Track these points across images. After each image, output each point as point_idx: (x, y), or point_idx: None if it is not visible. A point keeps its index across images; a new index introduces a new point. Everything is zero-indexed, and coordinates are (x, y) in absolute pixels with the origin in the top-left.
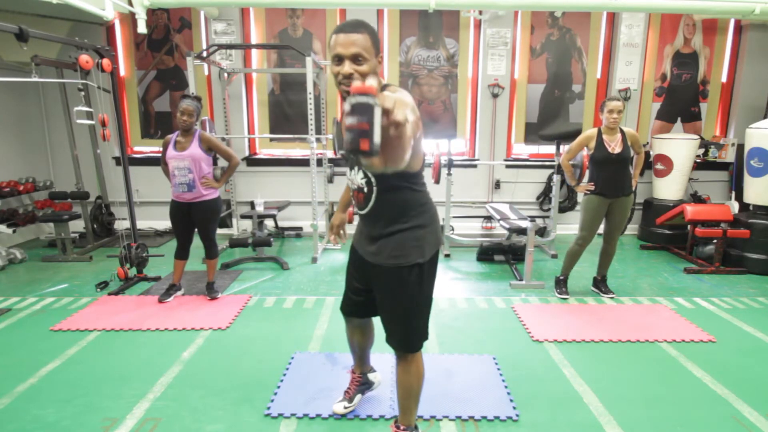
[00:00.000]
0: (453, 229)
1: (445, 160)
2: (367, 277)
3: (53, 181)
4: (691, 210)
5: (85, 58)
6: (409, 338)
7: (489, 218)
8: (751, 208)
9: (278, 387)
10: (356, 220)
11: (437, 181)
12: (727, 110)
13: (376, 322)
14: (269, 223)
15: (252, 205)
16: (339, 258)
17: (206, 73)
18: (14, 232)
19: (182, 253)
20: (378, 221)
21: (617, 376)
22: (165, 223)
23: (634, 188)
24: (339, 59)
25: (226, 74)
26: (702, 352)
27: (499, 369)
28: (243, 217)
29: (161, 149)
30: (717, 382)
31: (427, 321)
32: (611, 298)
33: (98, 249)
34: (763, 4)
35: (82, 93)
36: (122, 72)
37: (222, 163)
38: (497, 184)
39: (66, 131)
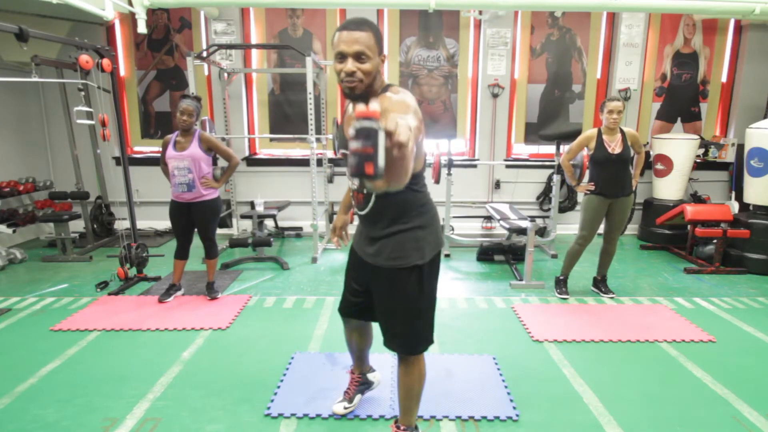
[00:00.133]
0: (453, 229)
1: (445, 160)
2: (366, 279)
3: (53, 181)
4: (691, 210)
5: (85, 58)
6: (409, 341)
7: (489, 218)
8: (751, 208)
9: (278, 387)
10: (356, 220)
11: (437, 181)
12: (727, 110)
13: (375, 323)
14: (269, 223)
15: (252, 205)
16: (339, 258)
17: (206, 73)
18: (14, 232)
19: (182, 253)
20: (377, 222)
21: (617, 376)
22: (165, 223)
23: (634, 188)
24: (342, 57)
25: (226, 74)
26: (702, 352)
27: (499, 369)
28: (243, 217)
29: (161, 149)
30: (717, 382)
31: (430, 325)
32: (611, 298)
33: (98, 249)
34: (763, 4)
35: (82, 93)
36: (122, 72)
37: (222, 163)
38: (497, 184)
39: (66, 131)
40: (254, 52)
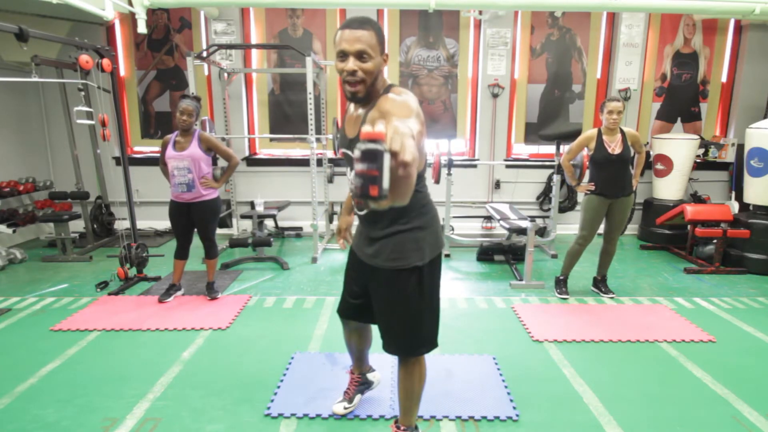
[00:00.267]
0: (453, 229)
1: (445, 160)
2: (365, 281)
3: (53, 181)
4: (691, 210)
5: (85, 58)
6: (409, 343)
7: (489, 218)
8: (751, 208)
9: (278, 387)
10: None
11: (437, 181)
12: (727, 110)
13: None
14: (269, 223)
15: (252, 205)
16: (339, 258)
17: (206, 73)
18: (14, 232)
19: (182, 253)
20: (377, 222)
21: (617, 376)
22: (165, 223)
23: (634, 188)
24: (343, 55)
25: (226, 74)
26: (702, 352)
27: (499, 369)
28: (243, 217)
29: (160, 149)
30: (717, 382)
31: (431, 327)
32: (611, 298)
33: (98, 249)
34: (763, 4)
35: (82, 93)
36: (122, 72)
37: (222, 163)
38: (497, 184)
39: (66, 131)
40: (254, 52)
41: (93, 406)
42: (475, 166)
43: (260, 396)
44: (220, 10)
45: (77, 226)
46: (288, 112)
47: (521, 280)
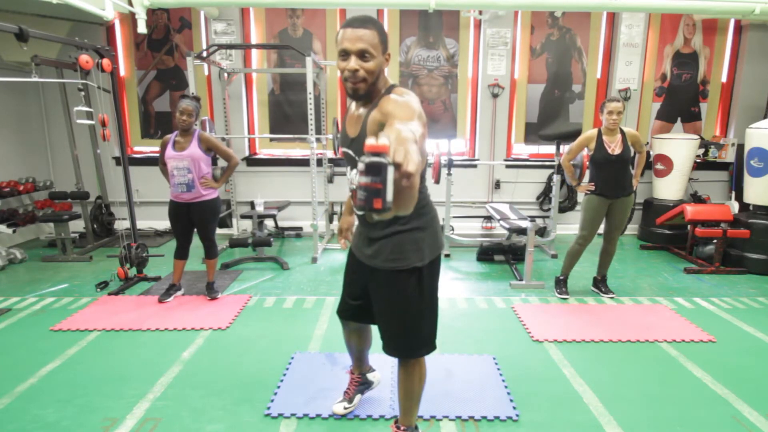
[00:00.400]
0: (453, 229)
1: (445, 160)
2: (365, 282)
3: (53, 181)
4: (691, 210)
5: (85, 58)
6: (409, 345)
7: (489, 218)
8: (751, 208)
9: (278, 387)
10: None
11: (437, 181)
12: (727, 110)
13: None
14: (269, 223)
15: (252, 205)
16: (339, 258)
17: (206, 73)
18: (14, 232)
19: (182, 253)
20: (376, 223)
21: (617, 376)
22: (165, 223)
23: (634, 188)
24: (345, 54)
25: (226, 74)
26: (702, 352)
27: (499, 369)
28: (243, 217)
29: (159, 149)
30: (717, 382)
31: (431, 329)
32: (611, 298)
33: (98, 249)
34: (763, 4)
35: (82, 93)
36: (122, 72)
37: (222, 163)
38: (497, 184)
39: (66, 131)
40: (254, 52)
41: (93, 406)
42: (475, 166)
43: (260, 396)
44: (220, 10)
45: (77, 226)
46: (288, 112)
47: (521, 280)
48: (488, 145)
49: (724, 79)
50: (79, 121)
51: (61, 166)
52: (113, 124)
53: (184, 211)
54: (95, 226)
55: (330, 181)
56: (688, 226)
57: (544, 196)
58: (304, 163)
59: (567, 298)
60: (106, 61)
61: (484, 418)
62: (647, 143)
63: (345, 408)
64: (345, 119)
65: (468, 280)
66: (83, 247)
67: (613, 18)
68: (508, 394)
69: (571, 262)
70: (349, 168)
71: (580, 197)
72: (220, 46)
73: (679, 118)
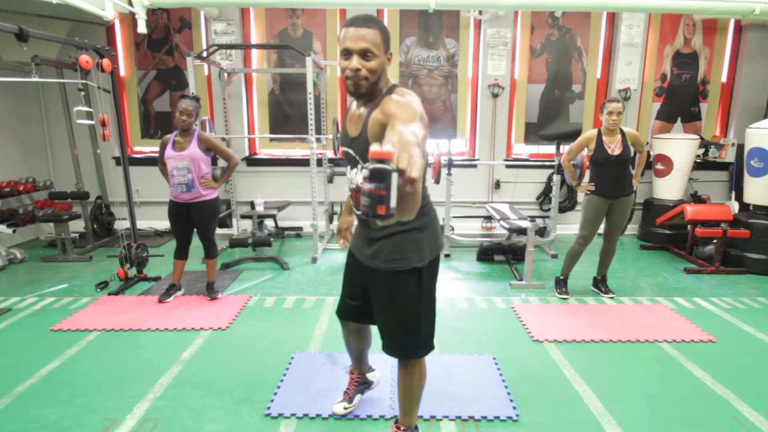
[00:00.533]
0: (453, 229)
1: (445, 160)
2: (365, 282)
3: (53, 181)
4: (691, 210)
5: (85, 58)
6: (409, 345)
7: (489, 218)
8: (751, 208)
9: (278, 387)
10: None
11: (437, 181)
12: (727, 110)
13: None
14: (269, 223)
15: (252, 205)
16: (339, 258)
17: (206, 73)
18: (14, 232)
19: (181, 253)
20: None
21: (617, 376)
22: (165, 223)
23: (635, 188)
24: (348, 53)
25: (226, 74)
26: (702, 352)
27: (499, 369)
28: (243, 217)
29: (159, 149)
30: (717, 382)
31: (430, 329)
32: (611, 298)
33: (98, 249)
34: (763, 4)
35: (82, 93)
36: (122, 72)
37: (222, 163)
38: (497, 184)
39: (66, 131)
40: (254, 52)
41: (93, 406)
42: (475, 166)
43: (260, 396)
44: (220, 10)
45: (77, 226)
46: (288, 112)
47: (521, 280)
48: (488, 145)
49: (724, 79)
50: (79, 121)
51: (61, 166)
52: (113, 124)
53: (183, 211)
54: (95, 226)
55: (330, 181)
56: (688, 226)
57: (544, 196)
58: (304, 163)
59: (567, 298)
60: (106, 61)
61: (484, 418)
62: (647, 143)
63: (345, 408)
64: (345, 118)
65: (468, 280)
66: (83, 247)
67: (613, 18)
68: (508, 394)
69: (571, 262)
70: (349, 167)
71: (580, 197)
72: (220, 46)
73: (679, 118)
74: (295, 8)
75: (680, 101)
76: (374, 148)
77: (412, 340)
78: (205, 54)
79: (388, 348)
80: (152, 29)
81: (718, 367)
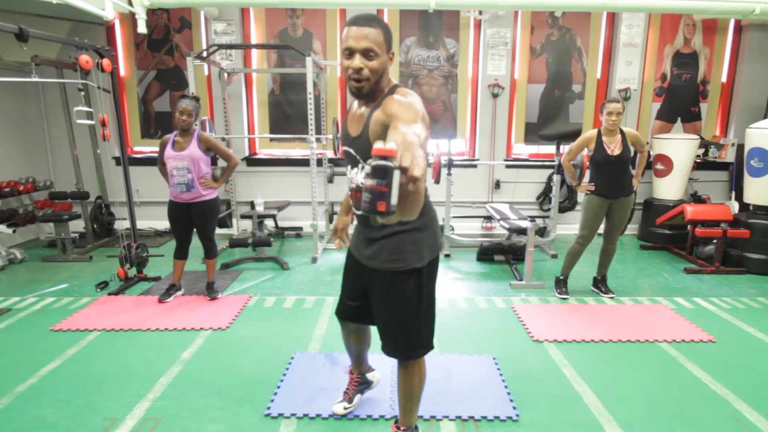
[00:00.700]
0: (453, 229)
1: (445, 160)
2: (364, 283)
3: (53, 181)
4: (691, 210)
5: (85, 58)
6: (409, 345)
7: (489, 218)
8: (751, 208)
9: (278, 387)
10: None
11: (437, 181)
12: (727, 110)
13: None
14: (269, 223)
15: (252, 205)
16: (339, 258)
17: (206, 73)
18: (14, 232)
19: (181, 253)
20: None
21: (617, 376)
22: (165, 223)
23: (635, 188)
24: (350, 52)
25: (226, 74)
26: (702, 352)
27: (499, 369)
28: (243, 217)
29: (158, 149)
30: (717, 382)
31: (430, 329)
32: (611, 298)
33: (98, 249)
34: (763, 4)
35: (82, 93)
36: (122, 72)
37: (222, 163)
38: (497, 184)
39: (66, 131)
40: (254, 52)
41: (93, 406)
42: (475, 166)
43: (260, 396)
44: (220, 10)
45: (77, 226)
46: (288, 112)
47: (521, 280)
48: (488, 145)
49: (724, 79)
50: (79, 121)
51: (61, 166)
52: (113, 124)
53: (183, 211)
54: (95, 226)
55: (330, 181)
56: (688, 226)
57: (544, 196)
58: (304, 163)
59: (567, 298)
60: (106, 61)
61: (484, 418)
62: (647, 143)
63: (345, 408)
64: (346, 118)
65: (468, 280)
66: (83, 247)
67: (613, 18)
68: (508, 394)
69: (571, 261)
70: (349, 167)
71: (580, 197)
72: (220, 46)
73: (679, 118)
74: (295, 8)
75: (680, 101)
76: (378, 145)
77: (411, 340)
78: (205, 54)
79: (388, 348)
80: (152, 29)
81: (718, 367)
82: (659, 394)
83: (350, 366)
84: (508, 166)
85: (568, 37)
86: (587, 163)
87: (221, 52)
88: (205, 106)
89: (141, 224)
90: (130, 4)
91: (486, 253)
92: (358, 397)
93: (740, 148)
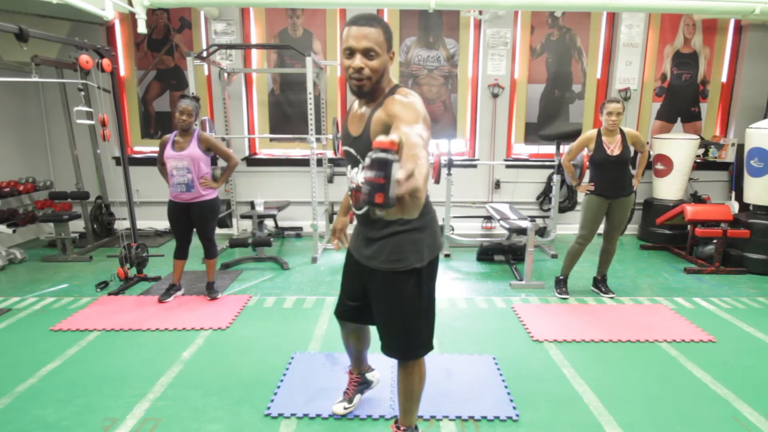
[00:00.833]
0: (453, 229)
1: (445, 160)
2: (363, 283)
3: (53, 181)
4: (691, 210)
5: (85, 58)
6: (408, 346)
7: (489, 218)
8: (751, 208)
9: (278, 387)
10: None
11: (437, 181)
12: (727, 110)
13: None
14: (269, 223)
15: (252, 205)
16: (339, 258)
17: (206, 73)
18: (14, 232)
19: (181, 253)
20: (376, 222)
21: (617, 376)
22: (165, 223)
23: (635, 188)
24: (350, 52)
25: (226, 74)
26: (702, 352)
27: (499, 369)
28: (243, 217)
29: (158, 149)
30: (717, 382)
31: (429, 329)
32: (611, 298)
33: (98, 249)
34: (763, 4)
35: (82, 93)
36: (122, 72)
37: (222, 163)
38: (497, 184)
39: (66, 131)
40: (254, 52)
41: (93, 406)
42: (475, 166)
43: (260, 396)
44: (220, 10)
45: (77, 226)
46: (288, 112)
47: (521, 280)
48: (488, 145)
49: (724, 79)
50: (79, 121)
51: (61, 166)
52: (113, 124)
53: (183, 211)
54: (95, 226)
55: (330, 181)
56: (688, 226)
57: (544, 196)
58: (304, 163)
59: (567, 298)
60: (106, 61)
61: (484, 418)
62: (647, 143)
63: (345, 408)
64: (347, 118)
65: (468, 280)
66: (83, 247)
67: (613, 18)
68: (508, 394)
69: (571, 261)
70: (349, 167)
71: (580, 197)
72: (220, 46)
73: (679, 118)
74: (295, 8)
75: (680, 101)
76: (379, 138)
77: (411, 340)
78: (205, 54)
79: (388, 348)
80: (152, 29)
81: (718, 367)
82: (659, 394)
83: (350, 366)
84: (508, 166)
85: (568, 37)
86: (587, 163)
87: (221, 52)
88: (205, 106)
89: (141, 224)
90: (130, 4)
91: (486, 253)
92: (358, 397)
93: (740, 148)
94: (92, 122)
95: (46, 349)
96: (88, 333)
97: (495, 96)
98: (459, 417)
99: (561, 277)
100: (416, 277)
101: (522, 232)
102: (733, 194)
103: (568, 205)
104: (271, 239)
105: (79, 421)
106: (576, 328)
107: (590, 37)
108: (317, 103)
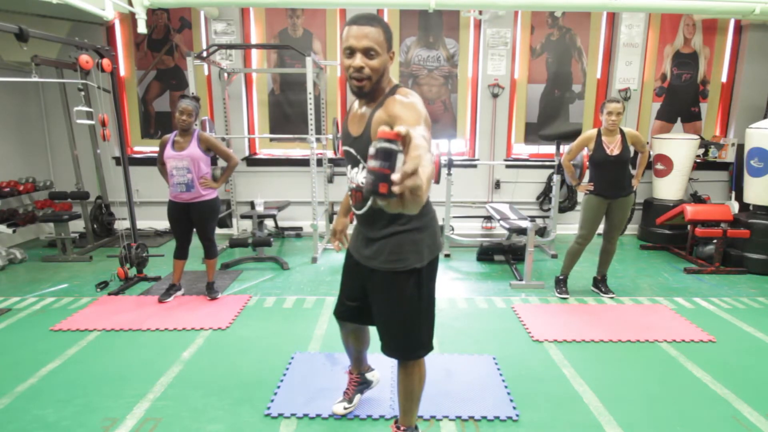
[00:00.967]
0: (453, 229)
1: (445, 160)
2: (363, 283)
3: (53, 181)
4: (691, 210)
5: (85, 58)
6: (408, 346)
7: (489, 218)
8: (751, 208)
9: (278, 387)
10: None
11: (437, 181)
12: (727, 110)
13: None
14: (269, 223)
15: (252, 205)
16: (339, 258)
17: (206, 73)
18: (14, 232)
19: (181, 253)
20: (376, 222)
21: (617, 376)
22: (165, 223)
23: (635, 188)
24: (351, 52)
25: (226, 74)
26: (702, 352)
27: (499, 369)
28: (243, 217)
29: (158, 149)
30: (717, 382)
31: (429, 330)
32: (611, 298)
33: (98, 249)
34: (763, 4)
35: (82, 93)
36: (122, 72)
37: (222, 163)
38: (497, 184)
39: (66, 131)
40: (254, 52)
41: (93, 406)
42: (475, 166)
43: (260, 396)
44: (220, 10)
45: (77, 226)
46: (288, 112)
47: (521, 280)
48: (488, 145)
49: (724, 79)
50: (79, 121)
51: (61, 166)
52: (113, 124)
53: (183, 211)
54: (95, 226)
55: (330, 181)
56: (688, 226)
57: (544, 196)
58: (304, 163)
59: (567, 297)
60: (106, 61)
61: (484, 418)
62: (647, 143)
63: (345, 408)
64: (347, 118)
65: (468, 280)
66: (83, 247)
67: (613, 18)
68: (508, 394)
69: (571, 261)
70: (349, 167)
71: (580, 197)
72: (220, 46)
73: (679, 118)
74: (295, 8)
75: (680, 101)
76: (385, 129)
77: (411, 340)
78: (205, 54)
79: (387, 349)
80: (152, 29)
81: (718, 367)
82: (659, 394)
83: (350, 366)
84: (508, 166)
85: (568, 37)
86: (587, 162)
87: (221, 52)
88: (205, 106)
89: (141, 224)
90: (130, 4)
91: (486, 253)
92: (358, 397)
93: (740, 148)
94: (92, 122)
95: (46, 349)
96: (88, 333)
97: (495, 96)
98: (459, 417)
99: (561, 277)
100: (416, 277)
101: (522, 232)
102: (733, 194)
103: (568, 205)
104: (271, 239)
105: (79, 421)
106: (576, 328)
107: (590, 37)
108: (317, 103)
